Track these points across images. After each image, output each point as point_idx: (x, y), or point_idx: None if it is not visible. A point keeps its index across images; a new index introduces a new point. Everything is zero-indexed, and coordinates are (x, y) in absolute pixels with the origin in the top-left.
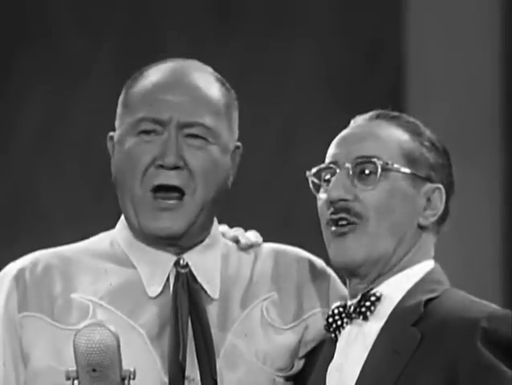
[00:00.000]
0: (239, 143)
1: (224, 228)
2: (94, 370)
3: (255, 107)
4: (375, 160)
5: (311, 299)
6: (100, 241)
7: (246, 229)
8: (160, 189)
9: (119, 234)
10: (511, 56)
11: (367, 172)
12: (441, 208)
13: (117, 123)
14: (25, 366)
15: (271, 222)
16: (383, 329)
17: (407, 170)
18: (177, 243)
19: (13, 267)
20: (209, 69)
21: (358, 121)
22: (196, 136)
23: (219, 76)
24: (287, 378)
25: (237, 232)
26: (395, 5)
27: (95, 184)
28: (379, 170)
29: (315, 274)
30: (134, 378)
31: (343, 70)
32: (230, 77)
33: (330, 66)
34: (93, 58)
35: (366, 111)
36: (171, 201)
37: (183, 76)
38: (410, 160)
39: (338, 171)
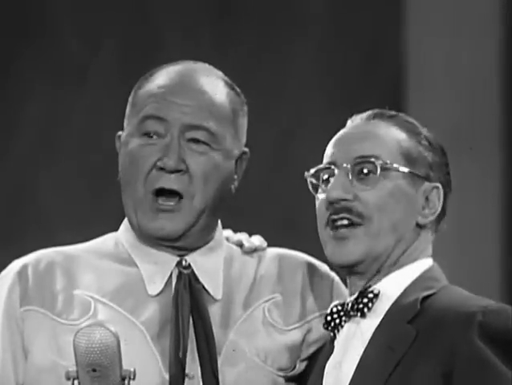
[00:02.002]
0: (246, 149)
1: (228, 232)
2: (94, 370)
3: (254, 108)
4: (374, 159)
5: (314, 302)
6: (105, 241)
7: (247, 232)
8: (161, 193)
9: (123, 235)
10: (511, 56)
11: (366, 171)
12: (439, 207)
13: (125, 123)
14: (25, 360)
15: (271, 225)
16: (379, 326)
17: (406, 169)
18: (177, 245)
19: (16, 263)
20: (219, 73)
21: (355, 121)
22: (198, 141)
23: (229, 81)
24: (288, 379)
25: (242, 236)
26: (394, 4)
27: (95, 185)
28: (379, 170)
29: (319, 278)
30: (134, 379)
31: (343, 70)
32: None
33: (330, 66)
34: (93, 58)
35: (366, 111)
36: (169, 203)
37: (191, 80)
38: (409, 159)
39: (336, 171)
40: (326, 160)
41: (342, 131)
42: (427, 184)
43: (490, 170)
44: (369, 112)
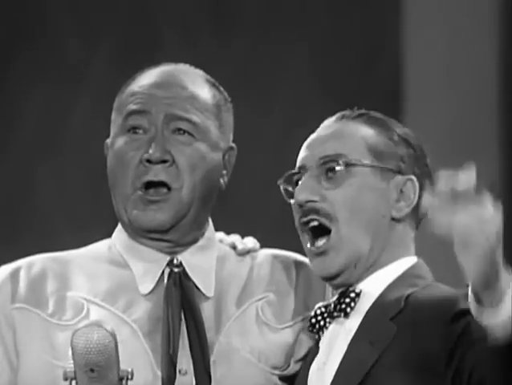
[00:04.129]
0: (233, 145)
1: (221, 235)
2: (92, 371)
3: (252, 107)
4: (337, 158)
5: (307, 301)
6: (99, 246)
7: (243, 232)
8: (150, 186)
9: (116, 238)
10: (510, 57)
11: (332, 171)
12: (415, 199)
13: (111, 131)
14: (17, 359)
15: (268, 225)
16: (362, 322)
17: (373, 163)
18: (168, 238)
19: (9, 266)
20: (200, 72)
21: (324, 124)
22: (182, 132)
23: (210, 79)
24: (282, 378)
25: (235, 238)
26: (393, 6)
27: (95, 185)
28: (343, 167)
29: (312, 278)
30: (132, 379)
31: (342, 71)
32: (228, 77)
33: (329, 68)
34: (92, 58)
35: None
36: (158, 195)
37: (172, 77)
38: (376, 153)
39: (305, 174)
40: (297, 165)
41: (311, 136)
42: (399, 177)
43: (490, 173)
44: (338, 114)
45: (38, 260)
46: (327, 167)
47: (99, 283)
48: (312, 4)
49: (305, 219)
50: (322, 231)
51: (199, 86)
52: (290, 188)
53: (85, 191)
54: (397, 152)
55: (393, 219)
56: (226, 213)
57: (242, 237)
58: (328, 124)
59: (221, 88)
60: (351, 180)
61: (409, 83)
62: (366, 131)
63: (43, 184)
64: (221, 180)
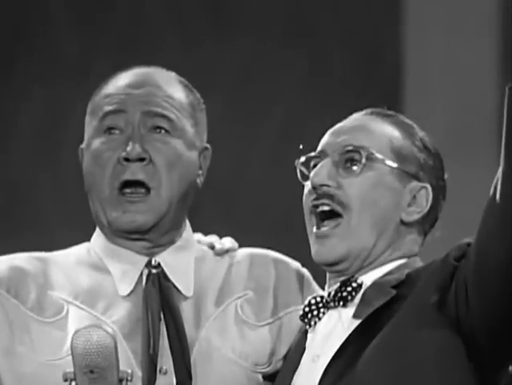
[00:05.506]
0: (208, 145)
1: (199, 236)
2: (91, 372)
3: (252, 109)
4: (360, 150)
5: (286, 298)
6: (78, 249)
7: (244, 232)
8: (127, 186)
9: (94, 241)
10: (510, 56)
11: (352, 161)
12: (427, 207)
13: (85, 134)
14: None
15: (267, 227)
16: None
17: (393, 164)
18: (147, 238)
19: None
20: (172, 73)
21: (353, 116)
22: (159, 130)
23: (183, 80)
24: (264, 375)
25: (212, 238)
26: (394, 5)
27: None
28: (364, 160)
29: (290, 275)
30: (131, 380)
31: (342, 70)
32: (228, 76)
33: (328, 67)
34: (92, 58)
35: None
36: (137, 195)
37: (145, 77)
38: (399, 155)
39: (325, 159)
40: (318, 149)
41: (338, 124)
42: (415, 183)
43: (489, 174)
44: (368, 109)
45: (20, 257)
46: (348, 156)
47: (78, 286)
48: (312, 6)
49: (317, 202)
50: (329, 217)
51: (172, 86)
52: (305, 171)
53: (83, 190)
54: (419, 159)
55: (402, 222)
56: (229, 213)
57: (247, 236)
58: (357, 117)
59: (194, 89)
60: (369, 173)
61: (410, 82)
62: (393, 132)
63: (42, 184)
64: (198, 180)
